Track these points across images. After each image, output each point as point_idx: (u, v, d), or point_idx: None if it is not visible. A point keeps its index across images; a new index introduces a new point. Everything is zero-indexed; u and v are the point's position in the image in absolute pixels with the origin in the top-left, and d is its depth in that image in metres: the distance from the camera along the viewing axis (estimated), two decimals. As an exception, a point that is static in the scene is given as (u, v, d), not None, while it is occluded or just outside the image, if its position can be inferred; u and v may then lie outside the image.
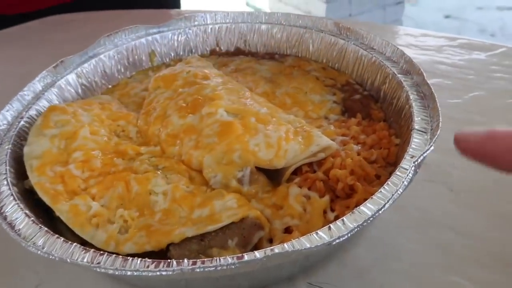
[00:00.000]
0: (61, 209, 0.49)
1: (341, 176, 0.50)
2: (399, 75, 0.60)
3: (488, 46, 0.88)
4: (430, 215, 0.54)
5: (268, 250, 0.37)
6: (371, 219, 0.40)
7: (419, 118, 0.52)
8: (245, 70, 0.74)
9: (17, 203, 0.47)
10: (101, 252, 0.40)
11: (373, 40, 0.68)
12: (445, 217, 0.54)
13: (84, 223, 0.48)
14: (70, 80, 0.69)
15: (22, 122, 0.59)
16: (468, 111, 0.72)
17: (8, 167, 0.51)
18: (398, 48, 0.64)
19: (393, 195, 0.41)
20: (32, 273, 0.51)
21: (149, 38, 0.78)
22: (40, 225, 0.44)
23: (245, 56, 0.80)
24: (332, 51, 0.73)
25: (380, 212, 0.40)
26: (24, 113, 0.60)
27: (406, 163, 0.45)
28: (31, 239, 0.42)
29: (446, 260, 0.49)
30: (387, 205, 0.41)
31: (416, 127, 0.50)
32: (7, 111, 0.59)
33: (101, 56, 0.74)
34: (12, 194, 0.48)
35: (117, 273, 0.38)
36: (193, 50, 0.81)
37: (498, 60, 0.83)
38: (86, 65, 0.72)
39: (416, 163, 0.44)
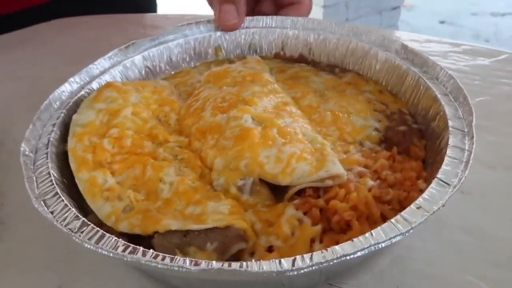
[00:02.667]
0: (81, 178, 0.53)
1: (339, 209, 0.48)
2: (449, 115, 0.55)
3: (492, 52, 0.90)
4: (444, 217, 0.55)
5: (223, 264, 0.37)
6: (335, 261, 0.37)
7: (448, 168, 0.47)
8: (300, 80, 0.72)
9: (49, 169, 0.52)
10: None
11: (438, 71, 0.62)
12: (458, 218, 0.55)
13: (96, 194, 0.51)
14: (136, 61, 0.74)
15: (82, 92, 0.65)
16: (474, 115, 0.73)
17: (55, 129, 0.58)
18: (461, 87, 0.58)
19: (371, 245, 0.38)
20: (53, 273, 0.52)
21: (218, 33, 0.80)
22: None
23: (307, 64, 0.78)
24: (392, 74, 0.69)
25: (348, 257, 0.38)
26: (87, 84, 0.67)
27: (408, 214, 0.42)
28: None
29: (460, 260, 0.51)
30: (358, 253, 0.38)
31: (440, 176, 0.46)
32: (73, 81, 0.66)
33: (170, 43, 0.77)
34: (46, 154, 0.54)
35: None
36: (258, 51, 0.81)
37: (502, 66, 0.85)
38: (154, 49, 0.76)
39: (415, 223, 0.41)
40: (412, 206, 0.43)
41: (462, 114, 0.55)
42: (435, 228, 0.54)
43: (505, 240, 0.53)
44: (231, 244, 0.46)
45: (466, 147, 0.50)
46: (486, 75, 0.83)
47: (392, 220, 0.41)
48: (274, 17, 0.80)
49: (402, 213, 0.42)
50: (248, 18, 0.81)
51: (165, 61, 0.78)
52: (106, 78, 0.69)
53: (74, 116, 0.60)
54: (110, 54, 0.71)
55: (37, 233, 0.56)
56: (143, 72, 0.75)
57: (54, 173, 0.52)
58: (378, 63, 0.71)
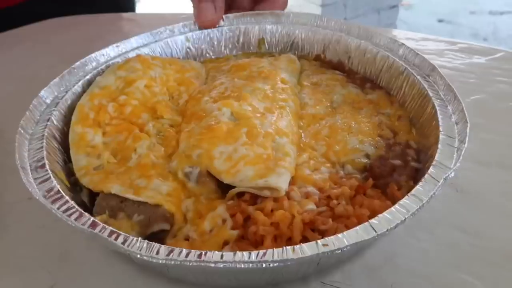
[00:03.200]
0: (75, 130, 0.59)
1: (259, 221, 0.47)
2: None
3: (488, 50, 0.90)
4: (439, 215, 0.55)
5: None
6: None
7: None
8: (323, 88, 0.69)
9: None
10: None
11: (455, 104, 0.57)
12: (452, 217, 0.55)
13: (80, 147, 0.58)
14: (178, 41, 0.78)
15: (118, 59, 0.71)
16: (470, 113, 0.72)
17: (79, 84, 0.66)
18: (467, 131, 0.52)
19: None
20: (46, 273, 0.52)
21: (262, 26, 0.80)
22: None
23: (342, 73, 0.74)
24: (416, 102, 0.63)
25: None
26: (125, 54, 0.73)
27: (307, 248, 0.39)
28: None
29: (455, 259, 0.51)
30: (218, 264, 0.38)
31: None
32: (114, 47, 0.73)
33: (215, 29, 0.80)
34: (57, 104, 0.61)
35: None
36: (300, 49, 0.80)
37: (498, 64, 0.85)
38: (198, 32, 0.80)
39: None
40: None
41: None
42: (429, 226, 0.54)
43: (499, 238, 0.53)
44: (154, 222, 0.49)
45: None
46: (482, 73, 0.83)
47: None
48: (322, 17, 0.79)
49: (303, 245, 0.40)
50: (294, 13, 0.81)
51: (208, 45, 0.80)
52: (145, 50, 0.74)
53: (98, 78, 0.66)
54: (156, 30, 0.77)
55: (30, 233, 0.56)
56: (184, 51, 0.79)
57: (54, 120, 0.59)
58: (411, 86, 0.64)
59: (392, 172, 0.55)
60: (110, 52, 0.72)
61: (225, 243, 0.47)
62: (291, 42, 0.80)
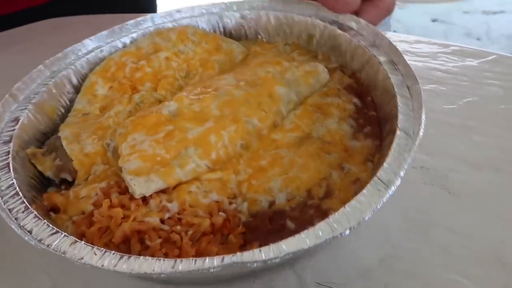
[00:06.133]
0: (91, 78, 0.67)
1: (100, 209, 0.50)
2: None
3: (480, 53, 0.91)
4: (431, 217, 0.56)
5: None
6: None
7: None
8: (318, 114, 0.61)
9: None
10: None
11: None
12: (444, 218, 0.56)
13: (86, 93, 0.65)
14: (232, 18, 0.78)
15: (169, 25, 0.75)
16: (462, 116, 0.74)
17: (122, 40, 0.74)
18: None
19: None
20: (45, 275, 0.52)
21: (313, 20, 0.72)
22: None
23: (360, 102, 0.63)
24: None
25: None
26: (173, 22, 0.76)
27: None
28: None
29: (446, 260, 0.52)
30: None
31: None
32: (178, 11, 0.77)
33: (271, 12, 0.75)
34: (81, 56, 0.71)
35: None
36: (346, 63, 0.68)
37: (490, 67, 0.86)
38: (254, 11, 0.76)
39: None
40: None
41: None
42: (422, 228, 0.55)
43: (491, 240, 0.54)
44: (63, 170, 0.56)
45: None
46: (474, 76, 0.84)
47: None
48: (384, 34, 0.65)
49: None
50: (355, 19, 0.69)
51: (262, 27, 0.77)
52: (198, 20, 0.76)
53: (139, 39, 0.72)
54: (210, 4, 0.78)
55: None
56: (237, 28, 0.78)
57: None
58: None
59: (269, 234, 0.48)
60: (168, 17, 0.76)
61: (83, 213, 0.50)
62: (336, 47, 0.69)
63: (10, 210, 0.46)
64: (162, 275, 0.39)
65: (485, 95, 0.79)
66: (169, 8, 0.79)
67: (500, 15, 3.44)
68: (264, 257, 0.38)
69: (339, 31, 0.68)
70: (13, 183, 0.49)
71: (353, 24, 0.68)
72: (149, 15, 0.76)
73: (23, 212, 0.46)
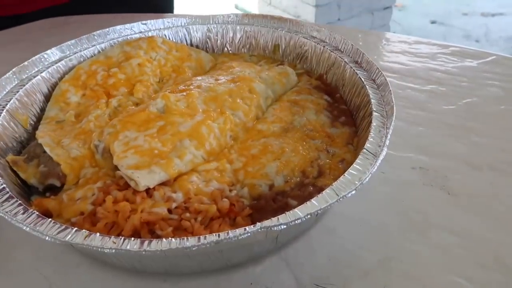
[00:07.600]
0: (61, 86, 0.68)
1: (105, 206, 0.50)
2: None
3: (479, 54, 0.91)
4: (430, 218, 0.56)
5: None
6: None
7: None
8: (296, 108, 0.67)
9: None
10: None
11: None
12: (444, 219, 0.56)
13: (57, 101, 0.66)
14: (199, 31, 0.84)
15: (136, 35, 0.79)
16: (462, 117, 0.74)
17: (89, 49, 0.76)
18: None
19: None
20: (42, 277, 0.52)
21: (279, 32, 0.81)
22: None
23: (330, 99, 0.69)
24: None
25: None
26: (146, 32, 0.80)
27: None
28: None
29: (446, 261, 0.51)
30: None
31: None
32: (138, 26, 0.80)
33: (236, 27, 0.83)
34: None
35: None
36: (308, 64, 0.78)
37: (489, 67, 0.86)
38: (218, 25, 0.84)
39: None
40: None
41: None
42: (421, 229, 0.55)
43: (491, 241, 0.53)
44: (50, 176, 0.55)
45: None
46: (474, 76, 0.84)
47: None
48: (344, 40, 0.73)
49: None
50: (310, 24, 0.80)
51: (227, 40, 0.84)
52: (166, 34, 0.81)
53: (107, 48, 0.75)
54: (183, 19, 0.83)
55: (24, 236, 0.56)
56: (203, 41, 0.84)
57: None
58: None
59: (275, 212, 0.48)
60: (134, 28, 0.79)
61: (81, 213, 0.50)
62: (301, 57, 0.79)
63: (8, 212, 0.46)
64: (193, 248, 0.39)
65: (484, 96, 0.79)
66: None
67: (499, 17, 3.45)
68: (289, 219, 0.41)
69: (304, 40, 0.78)
70: (4, 187, 0.49)
71: (316, 34, 0.78)
72: (117, 27, 0.78)
73: (23, 213, 0.45)
